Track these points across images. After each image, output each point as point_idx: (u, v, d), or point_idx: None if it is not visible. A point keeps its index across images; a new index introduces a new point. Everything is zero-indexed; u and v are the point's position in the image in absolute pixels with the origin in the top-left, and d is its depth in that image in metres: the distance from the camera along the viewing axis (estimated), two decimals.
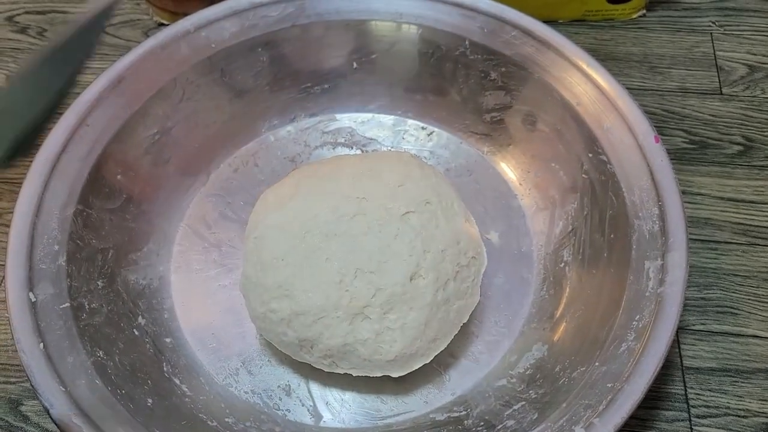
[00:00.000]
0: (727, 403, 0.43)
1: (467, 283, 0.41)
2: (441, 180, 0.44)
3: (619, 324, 0.39)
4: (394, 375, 0.40)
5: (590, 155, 0.47)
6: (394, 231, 0.39)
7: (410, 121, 0.55)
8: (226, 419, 0.41)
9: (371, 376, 0.40)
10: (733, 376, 0.44)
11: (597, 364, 0.38)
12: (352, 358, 0.39)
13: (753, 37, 0.62)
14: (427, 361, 0.40)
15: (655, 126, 0.45)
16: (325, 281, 0.38)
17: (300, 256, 0.39)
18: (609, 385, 0.37)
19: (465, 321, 0.41)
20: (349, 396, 0.42)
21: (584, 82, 0.48)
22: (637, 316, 0.39)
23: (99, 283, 0.43)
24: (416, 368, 0.40)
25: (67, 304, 0.40)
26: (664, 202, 0.42)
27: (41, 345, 0.38)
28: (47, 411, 0.36)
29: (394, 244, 0.39)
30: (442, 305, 0.39)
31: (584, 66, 0.49)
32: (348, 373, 0.40)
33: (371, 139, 0.54)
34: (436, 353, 0.40)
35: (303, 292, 0.38)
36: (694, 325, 0.46)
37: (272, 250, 0.39)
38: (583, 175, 0.47)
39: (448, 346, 0.41)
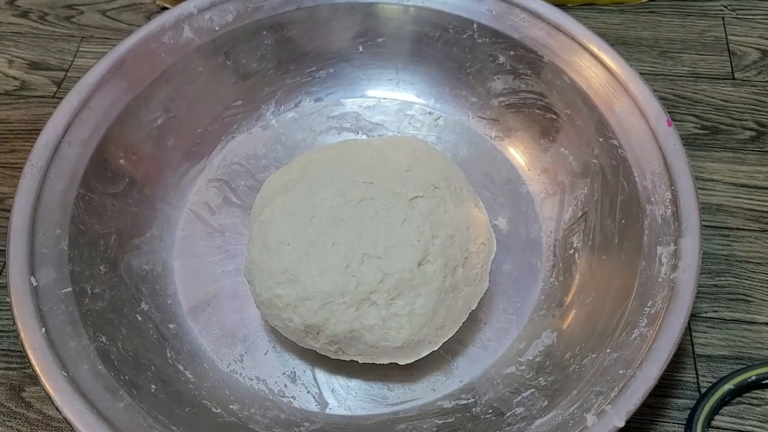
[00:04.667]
0: None
1: (476, 270, 0.40)
2: (449, 165, 0.43)
3: (630, 310, 0.39)
4: (401, 362, 0.39)
5: (601, 140, 0.46)
6: (402, 216, 0.38)
7: (417, 106, 0.54)
8: (231, 406, 0.40)
9: (378, 363, 0.39)
10: (746, 364, 0.43)
11: (608, 350, 0.38)
12: (358, 345, 0.38)
13: (766, 21, 0.61)
14: (435, 349, 0.39)
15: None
16: (331, 266, 0.37)
17: (306, 240, 0.38)
18: (621, 372, 0.36)
19: (473, 308, 0.40)
20: (355, 383, 0.42)
21: (595, 65, 0.47)
22: (650, 302, 0.38)
23: (101, 268, 0.42)
24: (424, 355, 0.39)
25: (69, 289, 0.39)
26: (676, 186, 0.41)
27: (43, 330, 0.37)
28: (49, 396, 0.35)
29: (402, 229, 0.38)
30: (450, 292, 0.38)
31: (595, 49, 0.48)
32: (354, 360, 0.39)
33: (377, 124, 0.53)
34: (444, 340, 0.39)
35: (309, 278, 0.37)
36: (706, 312, 0.46)
37: (278, 235, 0.38)
38: (594, 160, 0.46)
39: (456, 333, 0.40)
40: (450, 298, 0.38)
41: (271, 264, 0.38)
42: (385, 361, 0.39)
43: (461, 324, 0.40)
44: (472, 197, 0.42)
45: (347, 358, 0.39)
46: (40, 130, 0.43)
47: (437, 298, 0.38)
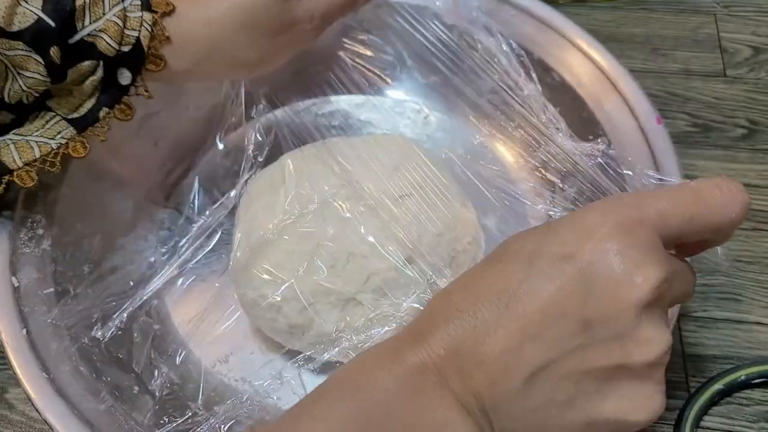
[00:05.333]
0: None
1: (463, 269, 0.40)
2: (437, 163, 0.43)
3: None
4: None
5: (590, 138, 0.45)
6: (388, 215, 0.38)
7: (406, 104, 0.54)
8: (216, 408, 0.40)
9: None
10: (736, 364, 0.43)
11: None
12: (344, 346, 0.38)
13: (758, 17, 0.61)
14: None
15: (657, 109, 0.44)
16: (316, 266, 0.37)
17: (291, 240, 0.37)
18: None
19: None
20: None
21: (585, 62, 0.47)
22: None
23: (85, 268, 0.42)
24: None
25: (52, 290, 0.39)
26: (666, 185, 0.41)
27: (24, 331, 0.36)
28: (30, 399, 0.35)
29: (388, 228, 0.37)
30: (437, 291, 0.38)
31: (585, 46, 0.47)
32: (340, 361, 0.39)
33: (366, 122, 0.53)
34: None
35: (294, 278, 0.37)
36: (696, 311, 0.45)
37: (263, 234, 0.38)
38: (584, 158, 0.46)
39: None
40: None
41: (255, 264, 0.38)
42: None
43: None
44: (459, 196, 0.42)
45: (333, 359, 0.39)
46: None
47: (424, 299, 0.37)
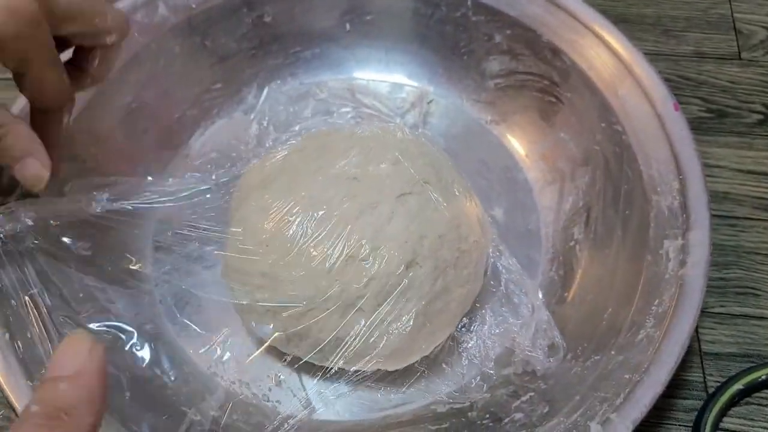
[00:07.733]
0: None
1: (469, 269, 0.38)
2: (440, 157, 0.41)
3: (636, 309, 0.37)
4: (391, 369, 0.37)
5: (603, 125, 0.43)
6: (389, 215, 0.35)
7: (408, 88, 0.51)
8: (212, 412, 0.38)
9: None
10: (755, 362, 0.41)
11: (613, 353, 0.36)
12: (344, 353, 0.35)
13: None
14: (426, 354, 0.37)
15: None
16: (313, 270, 0.34)
17: (285, 241, 0.35)
18: (627, 377, 0.34)
19: (467, 310, 0.38)
20: (344, 386, 0.39)
21: (597, 45, 0.45)
22: (657, 301, 0.36)
23: (71, 265, 0.40)
24: (414, 361, 0.37)
25: (36, 290, 0.37)
26: (684, 175, 0.39)
27: (6, 335, 0.34)
28: (12, 408, 0.33)
29: (389, 229, 0.35)
30: (441, 295, 0.36)
31: (597, 28, 0.45)
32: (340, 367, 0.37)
33: (366, 107, 0.50)
34: (436, 345, 0.37)
35: (289, 282, 0.34)
36: (713, 307, 0.43)
37: (255, 235, 0.36)
38: (596, 147, 0.44)
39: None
40: (441, 302, 0.36)
41: (248, 266, 0.36)
42: (373, 369, 0.36)
43: (455, 327, 0.38)
44: (464, 191, 0.39)
45: (332, 365, 0.37)
46: None
47: (427, 303, 0.35)
